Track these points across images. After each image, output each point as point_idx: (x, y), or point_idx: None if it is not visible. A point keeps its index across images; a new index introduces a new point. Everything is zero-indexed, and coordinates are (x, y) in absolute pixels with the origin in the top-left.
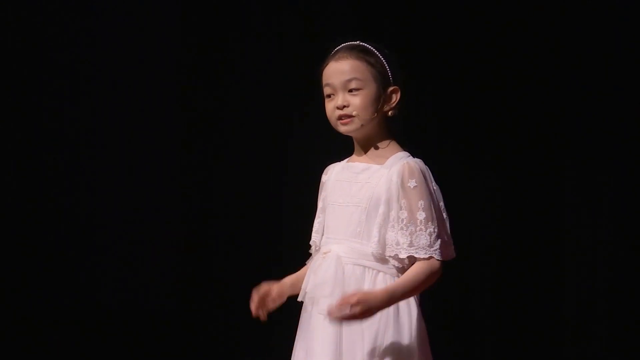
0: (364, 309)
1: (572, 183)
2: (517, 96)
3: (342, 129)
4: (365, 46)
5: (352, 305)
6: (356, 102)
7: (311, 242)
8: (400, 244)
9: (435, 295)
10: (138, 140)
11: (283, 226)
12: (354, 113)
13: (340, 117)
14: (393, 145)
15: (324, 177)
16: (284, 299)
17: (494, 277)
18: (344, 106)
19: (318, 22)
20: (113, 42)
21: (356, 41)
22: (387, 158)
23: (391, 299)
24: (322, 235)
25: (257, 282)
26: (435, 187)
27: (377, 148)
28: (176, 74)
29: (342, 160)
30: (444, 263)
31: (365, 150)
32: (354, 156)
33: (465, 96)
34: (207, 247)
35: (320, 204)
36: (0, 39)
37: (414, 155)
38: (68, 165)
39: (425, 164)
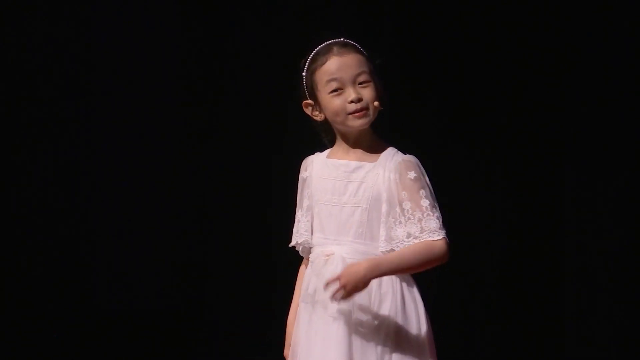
0: (353, 287)
1: (573, 182)
2: (518, 95)
3: (357, 122)
4: (355, 44)
5: (343, 289)
6: (368, 95)
7: (298, 243)
8: (412, 234)
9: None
10: (137, 141)
11: (283, 226)
12: (368, 105)
13: (355, 111)
14: (380, 141)
15: (304, 173)
16: None
17: (494, 276)
18: (359, 99)
19: (317, 21)
20: (111, 41)
21: (340, 39)
22: (378, 155)
23: (379, 264)
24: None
25: (256, 282)
26: (428, 182)
27: (366, 145)
28: (175, 75)
29: (317, 153)
30: (450, 248)
31: (354, 146)
32: (335, 152)
33: (465, 95)
34: (206, 247)
35: (305, 202)
36: (1, 39)
37: (402, 151)
38: (67, 165)
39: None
